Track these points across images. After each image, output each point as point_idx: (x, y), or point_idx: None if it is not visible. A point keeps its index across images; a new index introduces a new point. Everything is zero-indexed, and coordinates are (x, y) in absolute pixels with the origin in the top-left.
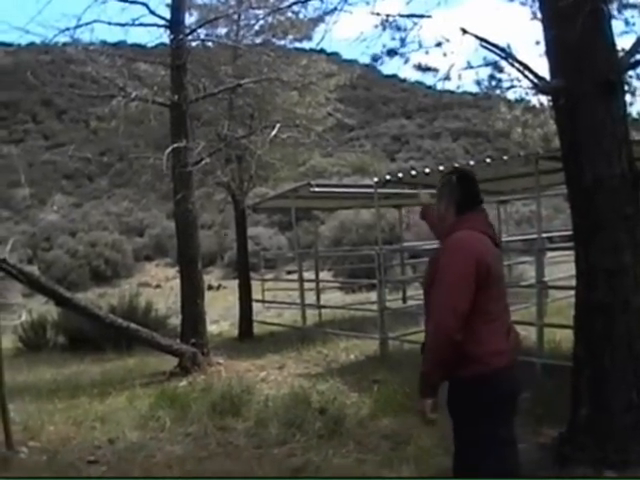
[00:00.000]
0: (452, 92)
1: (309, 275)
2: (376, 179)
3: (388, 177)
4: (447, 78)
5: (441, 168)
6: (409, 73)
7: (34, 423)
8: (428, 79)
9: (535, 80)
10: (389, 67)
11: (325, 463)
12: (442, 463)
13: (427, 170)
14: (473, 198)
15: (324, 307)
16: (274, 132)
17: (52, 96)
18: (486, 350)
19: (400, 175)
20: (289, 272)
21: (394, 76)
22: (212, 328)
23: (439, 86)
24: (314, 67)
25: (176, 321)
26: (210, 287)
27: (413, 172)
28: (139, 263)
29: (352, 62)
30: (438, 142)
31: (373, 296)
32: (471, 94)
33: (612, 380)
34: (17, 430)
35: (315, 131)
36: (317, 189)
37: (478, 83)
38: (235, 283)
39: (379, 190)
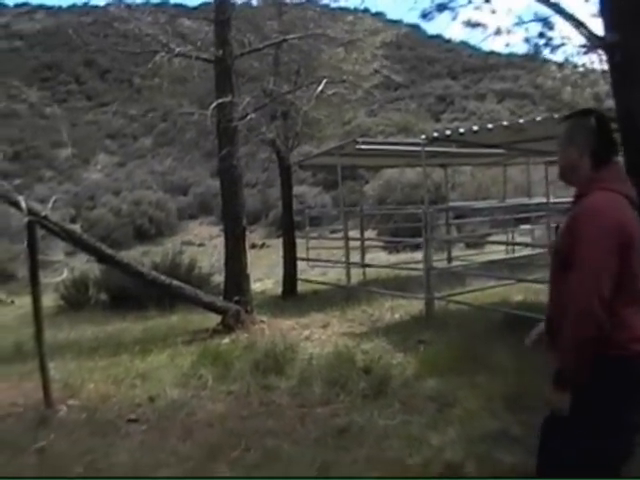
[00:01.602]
0: (498, 54)
1: (353, 234)
2: (423, 136)
3: (435, 134)
4: (498, 32)
5: (490, 126)
6: (454, 33)
7: (74, 381)
8: (474, 38)
9: (589, 36)
10: (434, 27)
11: (369, 424)
12: (488, 426)
13: (475, 128)
14: (611, 148)
15: (369, 266)
16: (320, 87)
17: (95, 56)
18: (628, 336)
19: (448, 133)
20: (333, 231)
21: (439, 36)
22: (255, 286)
23: (488, 45)
24: (360, 24)
25: (219, 279)
26: (254, 245)
27: (461, 130)
28: (183, 222)
29: (397, 22)
30: (483, 103)
31: (417, 256)
32: (517, 55)
33: None
34: (57, 388)
35: (362, 88)
36: (363, 146)
37: (527, 40)
38: (279, 242)
39: (426, 149)
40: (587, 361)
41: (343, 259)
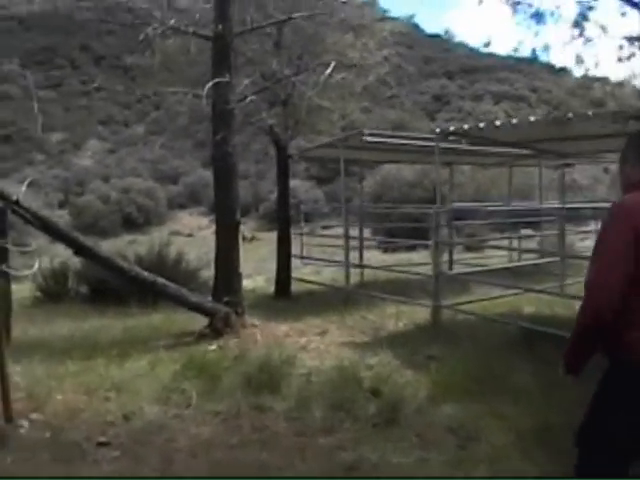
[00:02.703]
0: (495, 55)
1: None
2: (438, 129)
3: (452, 128)
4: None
5: (514, 121)
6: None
7: (40, 390)
8: (472, 39)
9: None
10: (432, 26)
11: (382, 461)
12: (522, 468)
13: (497, 123)
14: None
15: (369, 267)
16: (329, 71)
17: (90, 41)
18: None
19: (466, 127)
20: (325, 227)
21: (437, 36)
22: (246, 283)
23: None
24: (369, 9)
25: (208, 273)
26: (243, 238)
27: (481, 125)
28: (172, 211)
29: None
30: (479, 104)
31: (414, 257)
32: (514, 58)
33: None
34: (20, 398)
35: (370, 76)
36: (370, 139)
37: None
38: (269, 235)
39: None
40: (585, 342)
41: (338, 258)
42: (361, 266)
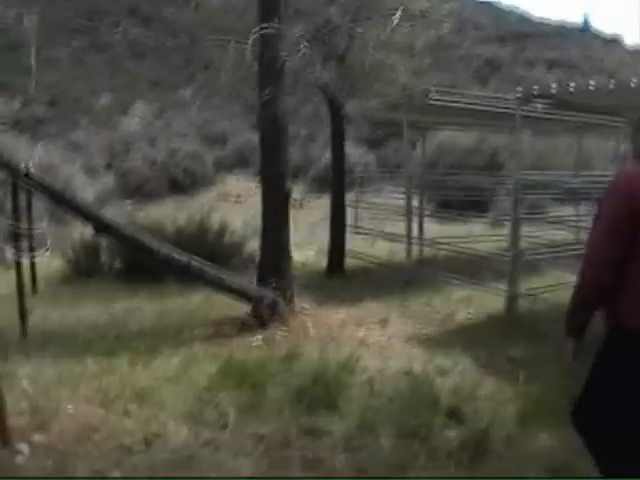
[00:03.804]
0: (548, 23)
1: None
2: (520, 90)
3: (536, 89)
4: None
5: (611, 85)
6: None
7: (48, 400)
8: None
9: None
10: None
11: None
12: None
13: (592, 84)
14: None
15: (435, 244)
16: (396, 19)
17: (138, 2)
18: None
19: (554, 89)
20: (376, 190)
21: (486, 3)
22: (295, 256)
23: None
24: None
25: (254, 244)
26: (293, 203)
27: (571, 86)
28: (219, 174)
29: None
30: (531, 71)
31: (475, 229)
32: (567, 26)
33: None
34: (23, 411)
35: (438, 28)
36: (437, 100)
37: None
38: (320, 200)
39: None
40: (581, 306)
41: (390, 227)
42: (423, 243)
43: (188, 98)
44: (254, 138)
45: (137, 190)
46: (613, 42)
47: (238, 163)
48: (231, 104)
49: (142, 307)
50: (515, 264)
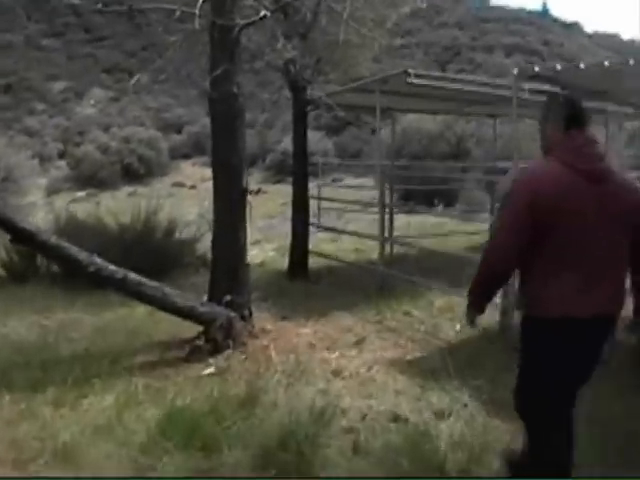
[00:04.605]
0: (507, 8)
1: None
2: (516, 70)
3: (537, 68)
4: None
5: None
6: None
7: None
8: None
9: None
10: None
11: None
12: None
13: (582, 66)
14: (578, 119)
15: (407, 244)
16: None
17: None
18: (545, 295)
19: (558, 67)
20: (334, 180)
21: None
22: (252, 254)
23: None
24: None
25: (209, 241)
26: (250, 192)
27: (581, 65)
28: (175, 161)
29: None
30: (491, 56)
31: (447, 222)
32: (527, 11)
33: None
34: None
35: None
36: (416, 81)
37: None
38: (276, 188)
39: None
40: (481, 289)
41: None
42: (395, 241)
43: (143, 84)
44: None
45: (90, 179)
46: (573, 27)
47: (194, 150)
48: (187, 90)
49: (79, 320)
50: None
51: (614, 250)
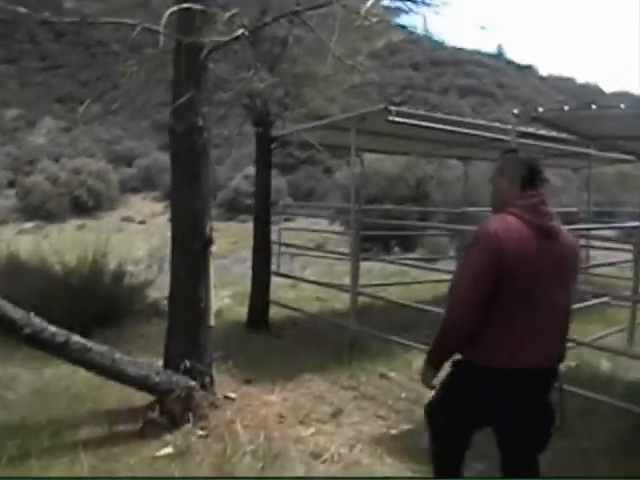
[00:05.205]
0: (463, 49)
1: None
2: (516, 110)
3: (540, 109)
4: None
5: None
6: (419, 24)
7: None
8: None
9: None
10: (399, 18)
11: None
12: None
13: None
14: (536, 178)
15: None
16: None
17: (51, 17)
18: (483, 350)
19: (566, 108)
20: (286, 219)
21: (402, 26)
22: None
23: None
24: None
25: (162, 282)
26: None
27: (593, 106)
28: (124, 195)
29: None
30: (446, 97)
31: (409, 270)
32: (482, 53)
33: None
34: None
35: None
36: (398, 119)
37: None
38: (228, 226)
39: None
40: (444, 349)
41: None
42: (361, 292)
43: (96, 114)
44: (161, 158)
45: (38, 209)
46: (527, 69)
47: (144, 184)
48: (139, 122)
49: (16, 377)
50: None
51: (560, 303)
